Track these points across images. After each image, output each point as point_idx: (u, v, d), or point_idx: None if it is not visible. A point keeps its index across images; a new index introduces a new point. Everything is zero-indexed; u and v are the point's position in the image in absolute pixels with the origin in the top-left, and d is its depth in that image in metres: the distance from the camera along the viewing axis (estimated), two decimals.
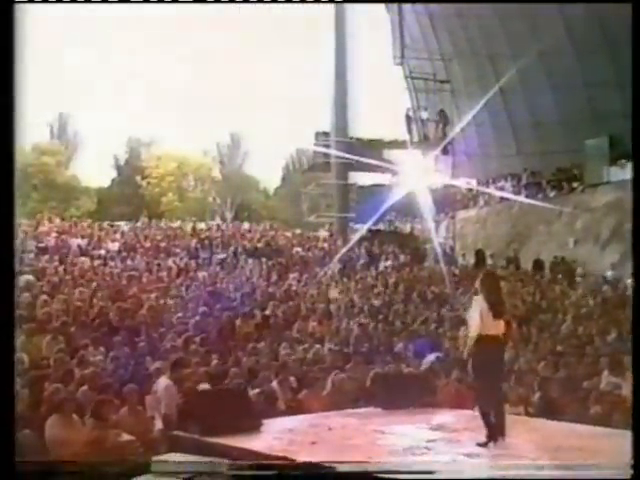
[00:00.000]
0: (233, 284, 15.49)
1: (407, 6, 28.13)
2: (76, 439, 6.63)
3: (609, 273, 19.50)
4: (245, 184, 47.07)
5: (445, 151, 24.75)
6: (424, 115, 26.88)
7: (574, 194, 23.39)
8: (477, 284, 6.55)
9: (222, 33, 44.12)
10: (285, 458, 5.66)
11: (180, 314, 12.09)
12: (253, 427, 6.76)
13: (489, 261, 21.06)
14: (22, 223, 19.84)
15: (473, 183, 28.43)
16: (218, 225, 26.57)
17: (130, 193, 44.19)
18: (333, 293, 15.89)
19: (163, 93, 56.19)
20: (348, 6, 24.15)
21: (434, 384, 9.03)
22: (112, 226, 22.06)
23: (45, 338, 9.71)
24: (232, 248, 19.88)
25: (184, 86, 54.20)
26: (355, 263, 19.86)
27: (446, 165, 25.18)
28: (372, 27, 28.97)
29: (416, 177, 23.48)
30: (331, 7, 24.37)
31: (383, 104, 32.16)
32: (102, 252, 17.86)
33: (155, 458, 5.99)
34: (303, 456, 5.72)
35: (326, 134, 25.07)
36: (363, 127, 25.17)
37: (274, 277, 16.94)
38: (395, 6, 28.06)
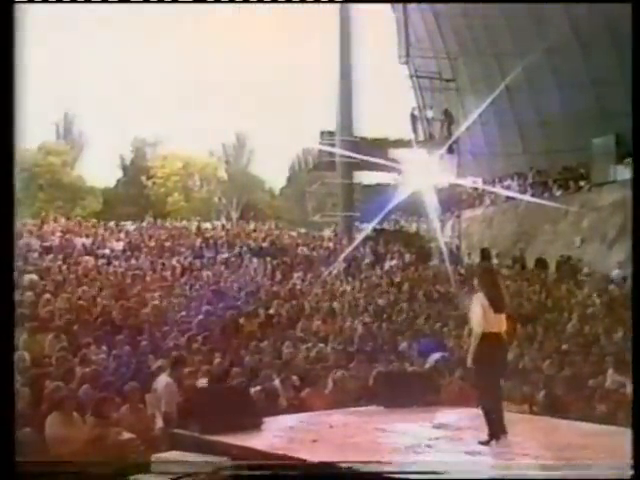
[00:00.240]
0: (237, 283, 15.49)
1: (412, 5, 28.04)
2: (76, 437, 6.60)
3: (615, 272, 19.38)
4: (251, 184, 46.99)
5: (451, 150, 24.58)
6: (429, 114, 26.72)
7: (580, 193, 23.28)
8: (475, 281, 6.59)
9: (227, 33, 44.07)
10: (285, 456, 5.61)
11: (184, 313, 12.08)
12: (254, 425, 6.73)
13: (495, 260, 20.94)
14: (27, 223, 19.92)
15: (479, 182, 28.31)
16: (223, 225, 26.56)
17: (136, 193, 44.15)
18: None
19: (168, 93, 56.09)
20: (353, 5, 24.11)
21: (437, 383, 8.97)
22: (117, 226, 22.09)
23: (48, 336, 9.69)
24: (237, 247, 19.87)
25: (189, 86, 54.13)
26: (360, 262, 19.80)
27: (452, 164, 25.00)
28: (377, 26, 28.94)
29: (421, 176, 23.34)
30: (336, 6, 24.34)
31: (388, 103, 32.08)
32: (106, 251, 17.86)
33: (155, 456, 5.97)
34: (304, 454, 5.68)
35: (331, 133, 25.01)
36: (368, 126, 25.15)
37: (278, 276, 16.94)
38: (400, 5, 27.97)
